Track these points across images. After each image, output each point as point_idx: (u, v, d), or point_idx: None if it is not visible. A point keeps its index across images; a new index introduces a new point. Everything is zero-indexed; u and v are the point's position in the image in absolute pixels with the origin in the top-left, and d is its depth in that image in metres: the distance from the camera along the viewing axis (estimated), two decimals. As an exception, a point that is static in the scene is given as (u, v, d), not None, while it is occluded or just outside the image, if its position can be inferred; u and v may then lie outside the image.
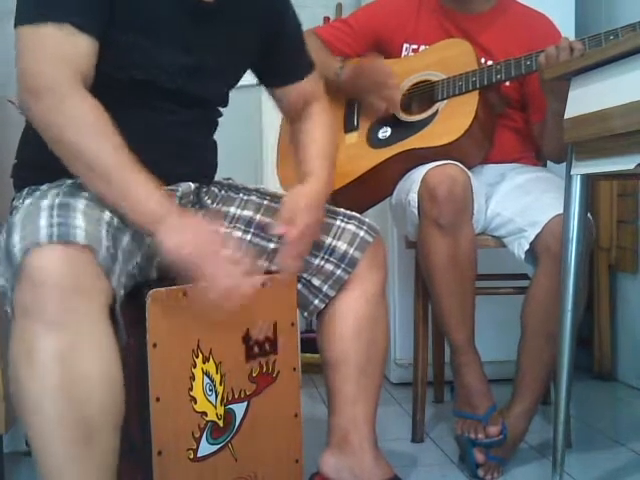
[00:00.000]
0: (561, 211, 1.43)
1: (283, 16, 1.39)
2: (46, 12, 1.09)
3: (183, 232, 1.10)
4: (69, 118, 1.07)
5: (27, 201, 1.13)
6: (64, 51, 1.09)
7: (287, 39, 1.41)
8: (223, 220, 1.33)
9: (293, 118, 1.49)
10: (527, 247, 1.57)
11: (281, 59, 1.42)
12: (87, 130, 1.08)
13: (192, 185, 1.30)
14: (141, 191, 1.09)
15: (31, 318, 0.96)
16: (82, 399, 0.96)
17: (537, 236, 1.55)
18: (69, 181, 1.17)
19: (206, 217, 1.27)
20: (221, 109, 1.41)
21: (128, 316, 1.10)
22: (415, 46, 1.85)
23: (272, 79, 1.45)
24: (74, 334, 0.96)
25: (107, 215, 1.10)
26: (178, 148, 1.27)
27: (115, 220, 1.11)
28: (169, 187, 1.25)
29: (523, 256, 1.59)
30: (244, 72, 1.40)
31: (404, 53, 1.86)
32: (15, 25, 1.11)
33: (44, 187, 1.18)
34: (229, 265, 1.10)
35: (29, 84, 1.08)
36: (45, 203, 1.07)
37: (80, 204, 1.08)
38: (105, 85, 1.14)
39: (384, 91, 1.76)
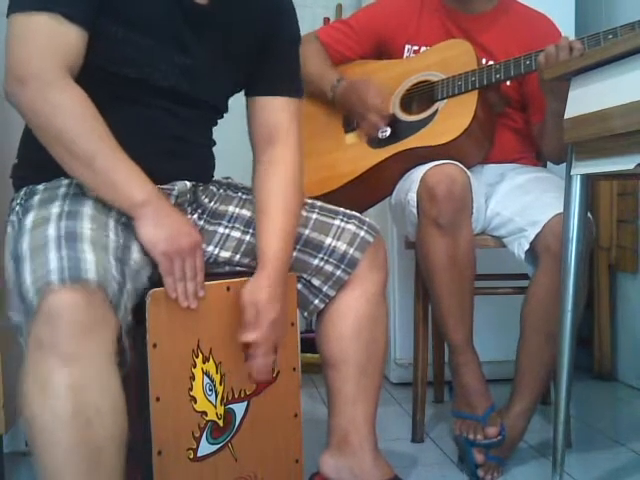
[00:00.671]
0: (561, 210, 1.43)
1: (279, 18, 1.34)
2: (39, 1, 1.09)
3: (160, 227, 1.12)
4: (55, 106, 1.08)
5: (29, 217, 1.12)
6: (53, 40, 1.09)
7: (281, 44, 1.34)
8: (212, 237, 1.32)
9: (257, 152, 1.36)
10: (527, 247, 1.57)
11: (270, 64, 1.33)
12: (72, 117, 1.09)
13: (188, 184, 1.29)
14: (123, 176, 1.11)
15: (46, 351, 0.97)
16: (92, 428, 0.98)
17: (537, 235, 1.55)
18: (65, 181, 1.17)
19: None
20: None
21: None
22: (416, 47, 1.84)
23: (256, 84, 1.34)
24: (85, 368, 0.98)
25: (112, 236, 1.10)
26: (174, 146, 1.26)
27: (121, 238, 1.12)
28: (165, 186, 1.24)
29: (523, 256, 1.59)
30: (242, 77, 1.34)
31: (406, 54, 1.85)
32: (8, 14, 1.11)
33: (41, 187, 1.19)
34: (193, 271, 1.14)
35: (16, 72, 1.09)
36: (51, 232, 1.06)
37: (86, 226, 1.08)
38: (100, 81, 1.14)
39: (368, 115, 1.76)
